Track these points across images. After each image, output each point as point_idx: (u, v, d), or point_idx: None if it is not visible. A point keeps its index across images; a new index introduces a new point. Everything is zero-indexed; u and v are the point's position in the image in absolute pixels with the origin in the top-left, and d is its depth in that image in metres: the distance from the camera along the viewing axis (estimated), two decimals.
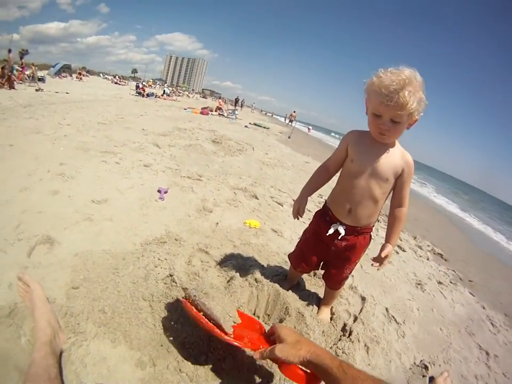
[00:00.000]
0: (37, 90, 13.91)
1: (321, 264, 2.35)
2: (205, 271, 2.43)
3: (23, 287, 1.79)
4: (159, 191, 3.85)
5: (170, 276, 2.17)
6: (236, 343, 1.56)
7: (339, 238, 2.06)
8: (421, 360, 2.33)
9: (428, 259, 4.74)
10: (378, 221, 4.90)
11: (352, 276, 3.11)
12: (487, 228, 13.50)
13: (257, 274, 2.38)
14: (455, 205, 18.04)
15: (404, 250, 4.65)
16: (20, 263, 2.08)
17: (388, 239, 2.05)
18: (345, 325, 2.34)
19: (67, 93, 14.99)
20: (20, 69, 17.87)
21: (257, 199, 4.64)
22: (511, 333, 3.45)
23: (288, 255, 2.52)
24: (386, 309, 2.85)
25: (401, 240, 5.00)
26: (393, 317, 2.76)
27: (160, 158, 5.54)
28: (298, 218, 2.19)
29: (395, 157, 1.91)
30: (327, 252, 2.19)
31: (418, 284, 3.64)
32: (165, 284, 2.13)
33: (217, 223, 3.42)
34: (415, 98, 1.66)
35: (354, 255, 2.17)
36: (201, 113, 18.71)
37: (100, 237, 2.61)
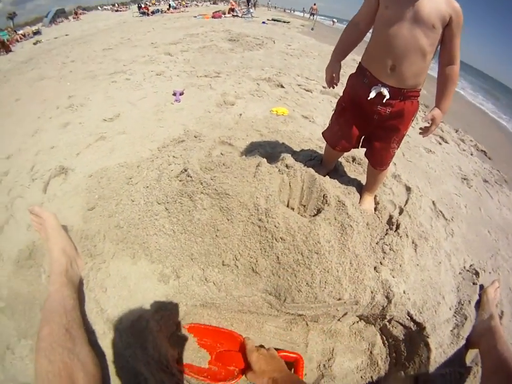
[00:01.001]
0: (35, 43, 13.68)
1: (362, 141, 2.05)
2: (227, 161, 2.11)
3: (36, 220, 1.71)
4: (174, 94, 3.65)
5: (185, 170, 1.93)
6: None
7: (383, 101, 1.74)
8: (471, 265, 2.15)
9: (471, 154, 4.38)
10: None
11: (394, 163, 2.90)
12: None
13: (289, 160, 2.09)
14: (492, 106, 17.16)
15: (446, 142, 4.31)
16: (36, 202, 2.02)
17: (437, 102, 1.78)
18: (391, 217, 2.09)
19: (66, 35, 14.69)
20: (13, 33, 17.82)
21: (283, 87, 4.30)
22: None
23: (323, 133, 2.17)
24: (433, 202, 2.61)
25: (443, 131, 4.65)
26: (441, 212, 2.52)
27: (173, 65, 5.28)
28: (333, 87, 1.95)
29: (440, 1, 1.56)
30: (369, 121, 1.87)
31: (464, 179, 3.35)
32: (180, 180, 1.90)
33: (240, 115, 3.18)
34: None
35: (401, 123, 1.83)
36: (213, 17, 17.75)
37: (114, 152, 2.48)
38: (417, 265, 1.91)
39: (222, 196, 1.66)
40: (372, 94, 1.71)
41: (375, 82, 1.73)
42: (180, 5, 37.55)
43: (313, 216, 1.84)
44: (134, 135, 2.72)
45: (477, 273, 2.05)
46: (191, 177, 1.80)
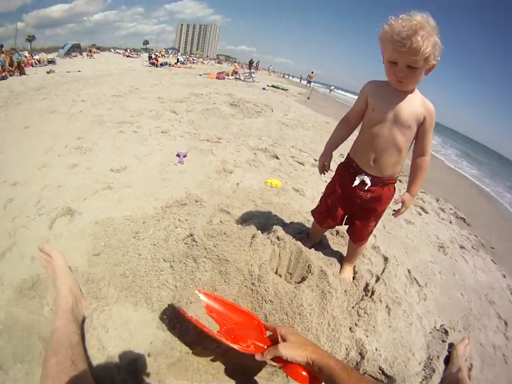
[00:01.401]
0: (48, 72, 13.94)
1: (345, 219, 2.31)
2: (227, 230, 2.32)
3: (44, 257, 1.83)
4: (178, 155, 3.85)
5: (191, 235, 2.13)
6: (237, 347, 1.50)
7: (365, 189, 2.02)
8: (441, 325, 2.32)
9: (450, 222, 4.63)
10: (402, 174, 4.82)
11: (375, 235, 3.12)
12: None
13: (279, 232, 2.31)
14: (477, 171, 17.80)
15: (426, 212, 4.58)
16: (42, 237, 2.12)
17: (408, 187, 2.05)
18: (367, 284, 2.32)
19: (79, 71, 15.06)
20: (29, 56, 18.09)
21: (278, 158, 4.59)
22: None
23: (312, 211, 2.44)
24: (409, 270, 2.82)
25: (424, 202, 4.95)
26: (415, 279, 2.73)
27: (178, 124, 5.52)
28: (324, 174, 2.18)
29: (416, 104, 1.86)
30: (352, 204, 2.14)
31: (441, 247, 3.57)
32: (185, 244, 2.10)
33: (238, 184, 3.40)
34: (429, 42, 1.60)
35: (379, 206, 2.11)
36: (217, 78, 18.51)
37: (120, 204, 2.63)
38: (390, 326, 2.09)
39: (222, 261, 1.89)
40: (356, 182, 1.99)
41: (359, 172, 2.01)
42: (187, 60, 38.79)
43: (298, 283, 2.08)
44: (139, 190, 2.88)
45: (446, 332, 2.21)
46: (196, 242, 2.02)
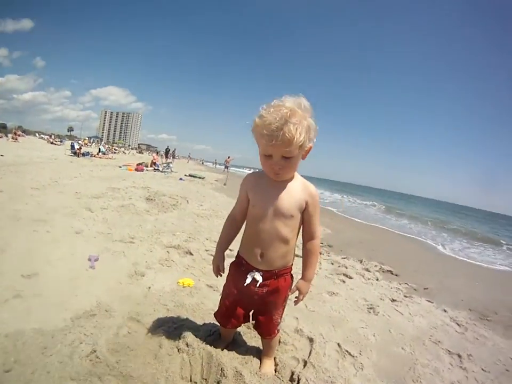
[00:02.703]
0: None
1: (251, 314, 2.30)
2: (131, 343, 2.34)
3: None
4: (89, 259, 3.81)
5: (94, 351, 2.13)
6: None
7: (258, 285, 2.02)
8: None
9: (377, 279, 4.83)
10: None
11: (297, 318, 3.15)
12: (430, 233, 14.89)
13: (189, 338, 2.30)
14: (396, 220, 19.43)
15: (350, 278, 4.71)
16: None
17: (302, 273, 2.11)
18: (292, 373, 2.25)
19: (1, 155, 14.63)
20: None
21: (192, 254, 4.66)
22: (480, 326, 3.57)
23: (214, 314, 2.40)
24: (338, 344, 2.79)
25: (346, 268, 5.10)
26: (347, 351, 2.69)
27: (92, 223, 5.49)
28: (220, 275, 2.23)
29: (296, 192, 1.94)
30: (250, 301, 2.14)
31: (370, 308, 3.66)
32: (90, 360, 2.08)
33: (149, 287, 3.38)
34: (302, 128, 1.67)
35: (278, 298, 2.12)
36: (136, 169, 18.72)
37: (30, 315, 2.58)
38: None
39: (127, 377, 1.90)
40: (248, 280, 2.01)
41: (250, 269, 2.04)
42: (109, 151, 38.76)
43: None
44: (49, 299, 2.83)
45: None
46: (99, 358, 2.04)
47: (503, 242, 16.45)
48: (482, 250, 12.58)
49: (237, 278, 2.13)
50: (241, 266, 2.12)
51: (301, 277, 2.14)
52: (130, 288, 3.36)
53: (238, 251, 2.22)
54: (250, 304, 2.20)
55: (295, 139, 1.65)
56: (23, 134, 47.07)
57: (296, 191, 1.95)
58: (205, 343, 2.31)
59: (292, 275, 2.18)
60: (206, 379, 2.09)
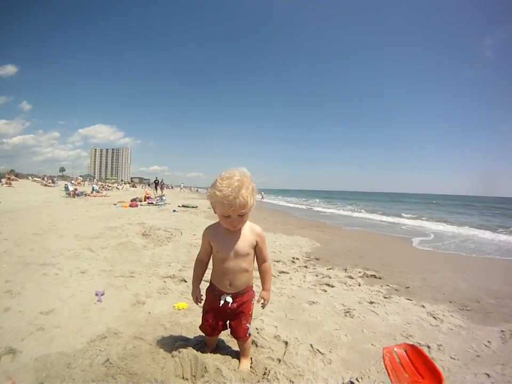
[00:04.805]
0: None
1: (227, 323, 2.79)
2: (136, 352, 2.82)
3: None
4: (96, 294, 4.25)
5: (107, 360, 2.63)
6: None
7: (229, 305, 2.59)
8: (350, 379, 2.59)
9: (359, 285, 5.14)
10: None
11: (276, 326, 3.55)
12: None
13: (180, 347, 2.81)
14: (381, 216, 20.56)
15: (332, 286, 5.05)
16: None
17: (262, 286, 2.75)
18: (266, 368, 2.63)
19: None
20: None
21: (186, 281, 5.08)
22: (457, 317, 3.83)
23: (199, 328, 2.89)
24: (311, 345, 3.10)
25: (330, 278, 5.46)
26: (318, 350, 3.00)
27: (95, 262, 5.90)
28: (200, 303, 2.77)
29: (248, 235, 2.51)
30: (225, 315, 2.70)
31: (347, 312, 3.98)
32: (105, 367, 2.56)
33: (149, 312, 3.88)
34: (251, 192, 2.23)
35: (246, 308, 2.68)
36: (131, 205, 19.08)
37: (53, 342, 3.03)
38: None
39: (133, 375, 2.45)
40: (221, 302, 2.58)
41: (221, 293, 2.61)
42: (103, 188, 38.66)
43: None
44: (67, 329, 3.26)
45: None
46: (112, 364, 2.59)
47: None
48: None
49: (212, 300, 2.71)
50: (214, 291, 2.69)
51: (262, 289, 2.77)
52: (133, 314, 3.81)
53: (210, 279, 2.77)
54: (225, 316, 2.74)
55: (248, 203, 2.23)
56: (16, 178, 46.77)
57: (247, 234, 2.53)
58: (194, 349, 2.82)
59: (253, 290, 2.77)
60: (194, 376, 2.57)
